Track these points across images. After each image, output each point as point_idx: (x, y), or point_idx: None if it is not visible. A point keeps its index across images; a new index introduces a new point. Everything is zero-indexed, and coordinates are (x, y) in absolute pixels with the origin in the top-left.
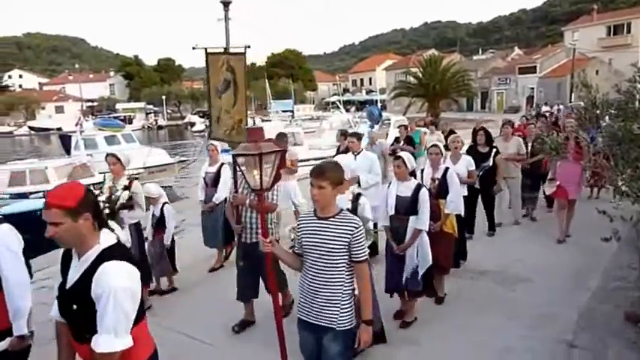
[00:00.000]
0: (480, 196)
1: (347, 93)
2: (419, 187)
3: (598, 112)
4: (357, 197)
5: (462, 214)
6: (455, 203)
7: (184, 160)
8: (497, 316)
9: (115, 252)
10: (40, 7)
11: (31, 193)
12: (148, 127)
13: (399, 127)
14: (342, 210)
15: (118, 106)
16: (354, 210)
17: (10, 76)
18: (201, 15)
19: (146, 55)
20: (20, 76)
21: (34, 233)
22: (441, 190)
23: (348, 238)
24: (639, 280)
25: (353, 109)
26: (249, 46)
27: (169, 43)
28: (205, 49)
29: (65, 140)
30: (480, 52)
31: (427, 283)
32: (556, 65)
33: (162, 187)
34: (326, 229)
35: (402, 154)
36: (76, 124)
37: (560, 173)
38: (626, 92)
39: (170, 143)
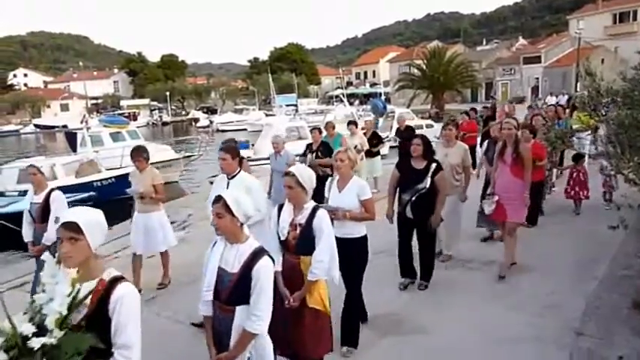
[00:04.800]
0: (415, 230)
1: (350, 86)
2: (256, 255)
3: (603, 100)
4: None
5: (336, 280)
6: (324, 263)
7: (190, 156)
8: (504, 305)
9: None
10: (44, 5)
11: None
12: (153, 123)
13: (311, 130)
14: None
15: (123, 103)
16: None
17: (15, 75)
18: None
19: (149, 51)
20: (25, 75)
21: None
22: (303, 243)
23: None
24: None
25: (357, 102)
26: None
27: (172, 39)
28: None
29: (71, 137)
30: (484, 42)
31: None
32: (561, 55)
33: (167, 182)
34: None
35: (224, 194)
36: (82, 122)
37: (497, 188)
38: (632, 80)
39: (175, 139)
